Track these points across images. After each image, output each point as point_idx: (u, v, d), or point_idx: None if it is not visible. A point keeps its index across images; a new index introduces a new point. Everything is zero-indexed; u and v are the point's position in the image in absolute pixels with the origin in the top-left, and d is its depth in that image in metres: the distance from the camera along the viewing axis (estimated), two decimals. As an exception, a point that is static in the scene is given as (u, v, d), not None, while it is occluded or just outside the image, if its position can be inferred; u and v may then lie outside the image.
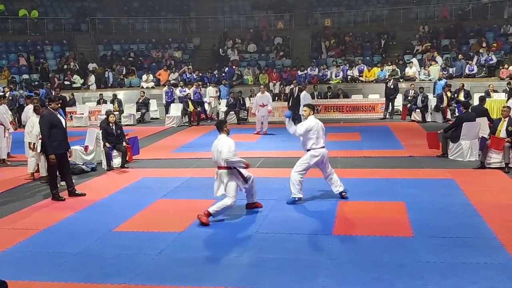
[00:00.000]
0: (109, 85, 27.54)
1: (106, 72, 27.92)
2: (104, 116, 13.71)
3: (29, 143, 12.11)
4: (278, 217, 8.70)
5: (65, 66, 28.52)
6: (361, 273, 6.30)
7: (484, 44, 26.21)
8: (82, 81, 27.44)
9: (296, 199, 9.36)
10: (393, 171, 11.81)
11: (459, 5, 30.24)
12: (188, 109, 21.62)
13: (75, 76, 27.49)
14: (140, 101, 23.65)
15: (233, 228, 8.21)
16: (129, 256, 7.12)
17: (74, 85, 27.21)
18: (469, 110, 13.56)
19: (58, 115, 10.46)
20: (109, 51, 30.97)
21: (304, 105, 10.06)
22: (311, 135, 9.21)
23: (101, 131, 13.34)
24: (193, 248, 7.42)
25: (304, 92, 19.15)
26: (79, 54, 30.07)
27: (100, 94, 24.70)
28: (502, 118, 11.89)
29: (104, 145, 12.99)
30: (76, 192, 10.54)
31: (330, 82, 25.39)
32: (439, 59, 25.25)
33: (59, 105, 11.11)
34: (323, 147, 9.36)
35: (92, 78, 27.32)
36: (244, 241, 7.58)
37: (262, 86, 20.21)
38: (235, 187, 8.61)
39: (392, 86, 21.61)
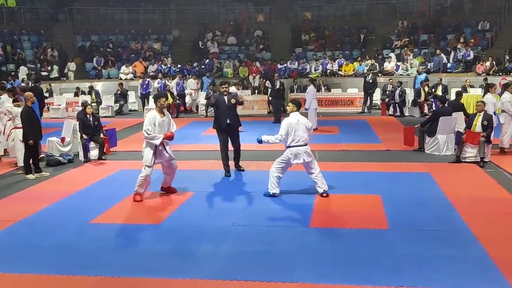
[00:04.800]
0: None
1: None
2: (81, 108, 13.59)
3: None
4: (256, 210, 8.73)
5: (42, 57, 28.13)
6: (338, 266, 6.35)
7: (461, 40, 26.51)
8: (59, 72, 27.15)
9: (271, 193, 9.33)
10: (371, 165, 11.92)
11: (437, 1, 30.51)
12: (167, 101, 21.48)
13: (54, 66, 27.18)
14: (119, 92, 23.46)
15: (210, 221, 8.20)
16: (105, 249, 7.09)
17: (52, 76, 26.89)
18: (446, 105, 13.72)
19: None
20: (87, 41, 30.62)
21: (290, 101, 9.82)
22: (289, 132, 9.12)
23: (78, 122, 13.20)
24: (169, 240, 7.40)
25: (311, 86, 17.58)
26: (57, 44, 29.64)
27: (76, 87, 24.38)
28: (477, 113, 12.06)
29: (81, 137, 12.88)
30: None
31: (310, 75, 25.44)
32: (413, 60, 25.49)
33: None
34: (304, 145, 9.18)
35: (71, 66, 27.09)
36: (221, 234, 7.57)
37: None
38: (149, 156, 9.14)
39: (370, 81, 21.75)
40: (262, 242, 7.23)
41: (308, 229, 7.77)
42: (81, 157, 12.91)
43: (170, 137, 9.24)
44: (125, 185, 10.40)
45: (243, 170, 11.33)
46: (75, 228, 7.94)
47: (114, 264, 6.52)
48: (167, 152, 9.27)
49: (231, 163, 11.34)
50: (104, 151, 13.05)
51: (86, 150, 12.82)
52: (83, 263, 6.55)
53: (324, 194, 9.27)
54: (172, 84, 22.82)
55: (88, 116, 13.05)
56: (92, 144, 13.03)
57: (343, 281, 5.92)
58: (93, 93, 23.01)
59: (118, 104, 23.15)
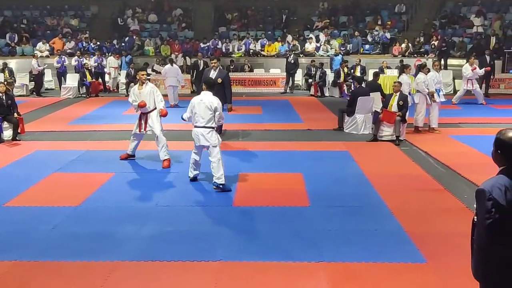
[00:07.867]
0: None
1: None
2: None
3: None
4: (179, 190, 8.68)
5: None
6: (260, 243, 6.45)
7: (379, 22, 27.31)
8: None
9: (188, 177, 9.08)
10: (292, 144, 12.10)
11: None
12: (86, 80, 20.84)
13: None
14: (34, 70, 22.43)
15: (132, 201, 8.08)
16: (21, 232, 6.82)
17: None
18: (363, 85, 14.11)
19: None
20: (-1, 17, 29.01)
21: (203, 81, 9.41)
22: (192, 111, 8.66)
23: (-11, 101, 12.56)
24: (89, 222, 7.22)
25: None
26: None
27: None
28: (394, 93, 12.50)
29: (-7, 117, 12.28)
30: None
31: (233, 55, 25.41)
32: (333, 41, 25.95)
33: None
34: (203, 127, 8.46)
35: None
36: (143, 215, 7.48)
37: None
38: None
39: (292, 61, 21.99)
40: (185, 222, 7.21)
41: (231, 208, 7.82)
42: (-6, 138, 12.32)
43: (163, 115, 10.09)
44: (41, 166, 10.05)
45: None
46: (-13, 212, 7.59)
47: (30, 248, 6.29)
48: (148, 125, 10.14)
49: None
50: (19, 131, 12.49)
51: (-1, 130, 12.24)
52: (-4, 248, 6.28)
53: (214, 187, 8.55)
54: (90, 62, 22.06)
55: (1, 94, 12.44)
56: (5, 124, 12.44)
57: (264, 257, 6.01)
58: (7, 71, 21.84)
59: (33, 82, 22.15)
